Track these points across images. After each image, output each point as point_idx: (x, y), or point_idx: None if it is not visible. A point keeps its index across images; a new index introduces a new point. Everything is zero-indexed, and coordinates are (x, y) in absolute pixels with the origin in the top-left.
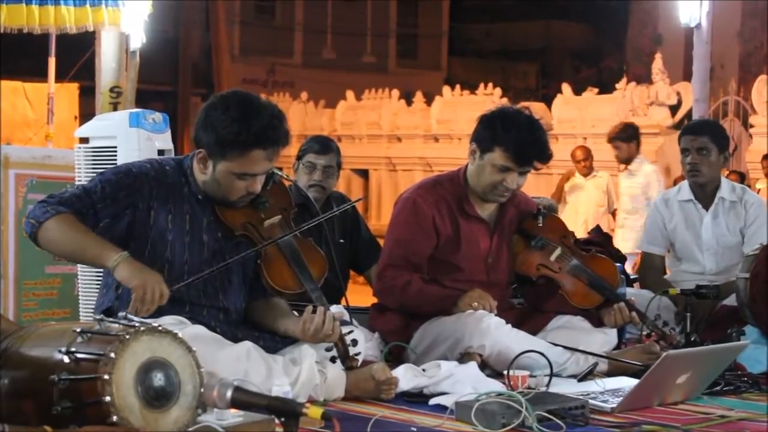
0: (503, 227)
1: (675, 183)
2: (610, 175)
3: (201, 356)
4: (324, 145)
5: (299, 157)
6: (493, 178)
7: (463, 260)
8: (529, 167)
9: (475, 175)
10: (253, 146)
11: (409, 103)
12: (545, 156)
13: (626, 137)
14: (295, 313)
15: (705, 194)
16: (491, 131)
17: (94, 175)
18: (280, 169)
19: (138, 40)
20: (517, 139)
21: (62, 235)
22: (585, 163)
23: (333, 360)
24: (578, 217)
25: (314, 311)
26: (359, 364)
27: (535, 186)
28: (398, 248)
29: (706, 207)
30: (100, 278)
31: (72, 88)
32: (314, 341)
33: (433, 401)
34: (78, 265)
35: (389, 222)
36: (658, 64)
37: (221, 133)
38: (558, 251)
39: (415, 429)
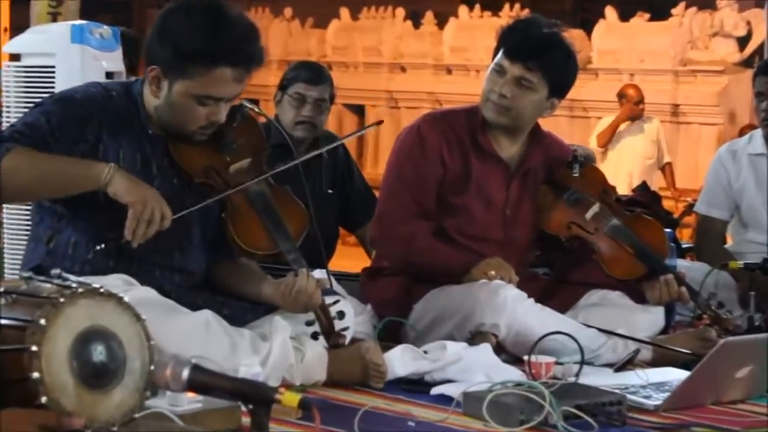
0: (527, 173)
1: (741, 133)
2: (661, 122)
3: (148, 325)
4: (316, 73)
5: (283, 87)
6: (488, 85)
7: (473, 205)
8: (519, 65)
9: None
10: (220, 61)
11: (416, 25)
12: (539, 54)
13: None
14: (270, 277)
15: None
16: (499, 35)
17: (26, 103)
18: (255, 101)
19: None
20: (514, 32)
21: (30, 167)
22: (642, 106)
23: (315, 336)
24: (621, 170)
25: (296, 275)
26: (347, 341)
27: (569, 131)
28: (401, 186)
29: None
30: (29, 229)
31: None
32: (295, 307)
33: (435, 390)
34: (3, 212)
35: (389, 156)
36: None
37: (182, 43)
38: (595, 208)
39: (413, 423)
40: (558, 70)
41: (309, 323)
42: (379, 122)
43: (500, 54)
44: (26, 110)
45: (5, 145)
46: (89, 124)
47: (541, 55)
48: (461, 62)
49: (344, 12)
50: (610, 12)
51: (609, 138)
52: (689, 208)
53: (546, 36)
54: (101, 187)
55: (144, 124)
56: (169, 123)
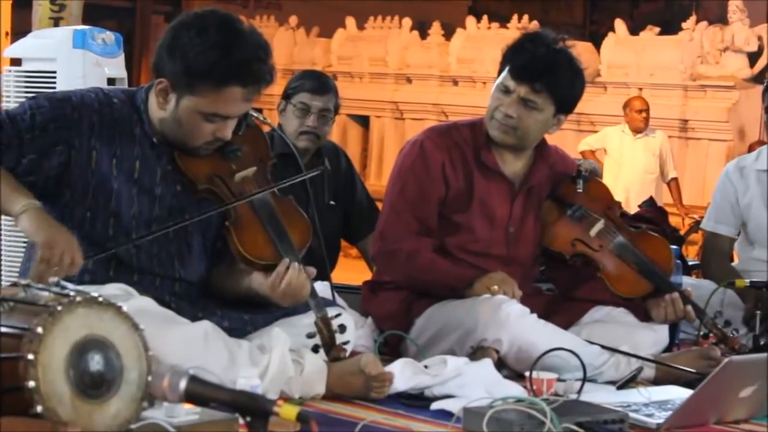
0: (531, 190)
1: (750, 149)
2: (669, 137)
3: (146, 335)
4: (321, 83)
5: (287, 96)
6: (493, 103)
7: (475, 223)
8: (525, 86)
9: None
10: (231, 81)
11: (423, 36)
12: (545, 75)
13: None
14: None
15: None
16: (505, 51)
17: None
18: (259, 110)
19: None
20: (520, 51)
21: None
22: (645, 114)
23: (315, 349)
24: (618, 184)
25: (287, 268)
26: (347, 354)
27: (576, 145)
28: (403, 203)
29: None
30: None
31: None
32: (284, 300)
33: (435, 405)
34: (1, 220)
35: (392, 171)
36: (735, 0)
37: (193, 60)
38: (600, 224)
39: None
40: (565, 89)
41: (310, 336)
42: (319, 170)
43: (506, 73)
44: None
45: None
46: (77, 130)
47: (548, 76)
48: (468, 74)
49: (350, 21)
50: (619, 25)
51: None
52: (696, 225)
53: (552, 55)
54: (14, 218)
55: (147, 132)
56: (174, 136)
